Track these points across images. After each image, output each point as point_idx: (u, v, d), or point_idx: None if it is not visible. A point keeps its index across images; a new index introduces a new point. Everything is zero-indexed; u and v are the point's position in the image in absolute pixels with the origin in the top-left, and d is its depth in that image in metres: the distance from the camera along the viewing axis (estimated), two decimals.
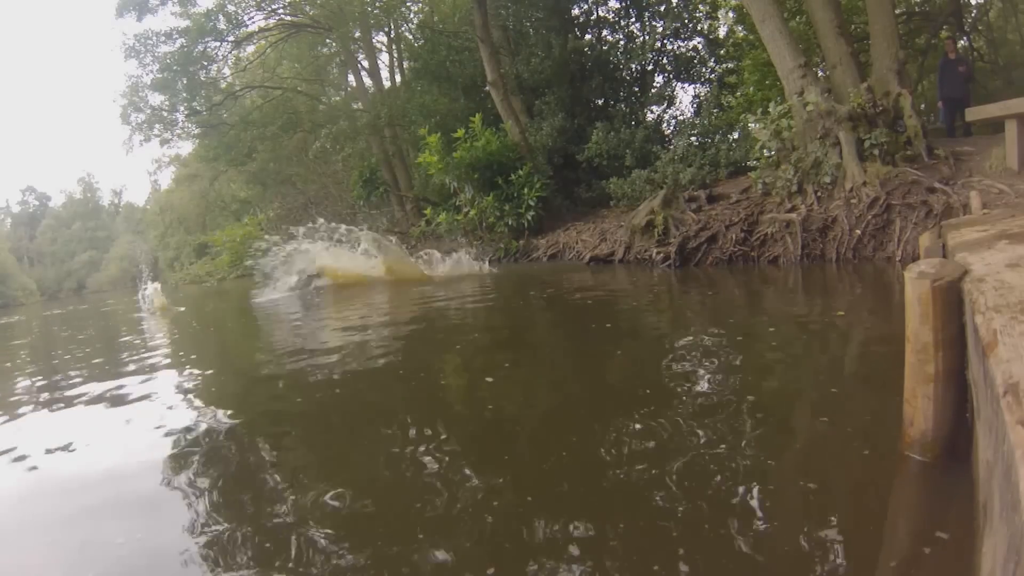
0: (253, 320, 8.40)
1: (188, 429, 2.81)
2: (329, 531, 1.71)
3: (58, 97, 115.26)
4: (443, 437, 2.43)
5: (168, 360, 5.23)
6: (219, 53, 18.91)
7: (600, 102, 15.10)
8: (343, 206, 24.14)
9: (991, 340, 1.12)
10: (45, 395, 4.18)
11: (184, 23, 17.62)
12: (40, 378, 5.11)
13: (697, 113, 13.99)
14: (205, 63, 18.69)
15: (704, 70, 15.25)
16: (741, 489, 1.71)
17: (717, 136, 12.06)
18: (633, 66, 15.04)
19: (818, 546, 1.42)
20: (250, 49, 20.81)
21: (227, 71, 21.25)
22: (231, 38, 18.49)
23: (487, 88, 14.49)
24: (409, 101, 17.22)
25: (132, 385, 4.01)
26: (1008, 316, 1.20)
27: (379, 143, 20.04)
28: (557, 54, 14.28)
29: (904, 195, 6.60)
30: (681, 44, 15.20)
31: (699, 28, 15.20)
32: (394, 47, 21.40)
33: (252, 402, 3.46)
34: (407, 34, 20.38)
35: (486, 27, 13.90)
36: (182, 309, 11.47)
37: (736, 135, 11.78)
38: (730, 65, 14.71)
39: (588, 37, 15.36)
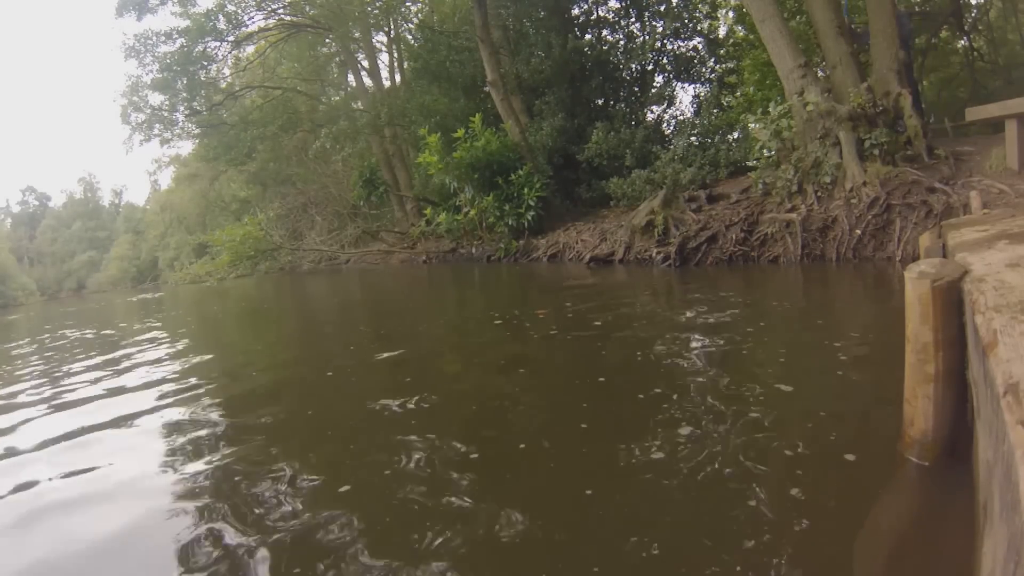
0: None
1: None
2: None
3: (58, 97, 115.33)
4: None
5: None
6: (219, 53, 18.91)
7: (600, 102, 15.06)
8: (343, 206, 24.14)
9: (991, 340, 1.12)
10: None
11: (184, 23, 17.61)
12: None
13: (697, 113, 13.96)
14: (205, 63, 18.68)
15: (704, 70, 15.21)
16: (740, 491, 1.71)
17: (717, 136, 12.02)
18: (633, 66, 15.01)
19: (818, 546, 1.42)
20: (250, 49, 20.83)
21: (227, 71, 21.31)
22: (231, 38, 18.48)
23: (487, 88, 14.46)
24: (409, 101, 17.20)
25: None
26: (1008, 316, 1.20)
27: (379, 143, 20.03)
28: (557, 54, 14.25)
29: (904, 195, 6.59)
30: (681, 44, 15.16)
31: (699, 28, 15.16)
32: (394, 47, 21.41)
33: None
34: (407, 34, 20.37)
35: (486, 27, 13.88)
36: None
37: (736, 135, 11.76)
38: (730, 65, 14.71)
39: (588, 37, 15.31)
